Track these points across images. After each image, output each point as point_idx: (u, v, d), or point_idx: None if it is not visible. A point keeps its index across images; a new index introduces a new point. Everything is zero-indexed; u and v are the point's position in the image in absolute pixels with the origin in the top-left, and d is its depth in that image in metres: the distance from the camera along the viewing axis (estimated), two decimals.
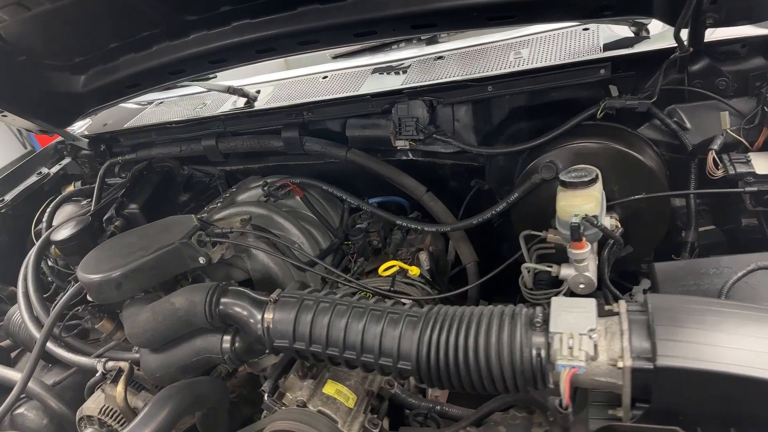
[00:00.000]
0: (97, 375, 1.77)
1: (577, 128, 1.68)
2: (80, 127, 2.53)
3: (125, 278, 1.50)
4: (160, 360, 1.48)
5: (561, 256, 1.50)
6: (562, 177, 1.43)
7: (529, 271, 1.55)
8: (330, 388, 1.40)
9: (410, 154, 2.07)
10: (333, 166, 2.15)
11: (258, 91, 2.17)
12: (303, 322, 1.27)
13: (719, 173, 1.48)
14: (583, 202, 1.36)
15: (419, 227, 1.89)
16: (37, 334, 1.79)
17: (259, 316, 1.33)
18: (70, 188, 2.62)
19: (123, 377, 1.63)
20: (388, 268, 1.65)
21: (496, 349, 1.07)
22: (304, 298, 1.30)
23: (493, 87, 1.73)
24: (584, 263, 1.36)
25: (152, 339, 1.45)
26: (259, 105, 2.10)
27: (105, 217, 2.20)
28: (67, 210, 2.46)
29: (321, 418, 1.32)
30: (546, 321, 1.06)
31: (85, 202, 2.48)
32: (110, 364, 1.67)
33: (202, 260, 1.56)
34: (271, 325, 1.30)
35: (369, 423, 1.39)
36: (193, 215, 1.70)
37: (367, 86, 1.94)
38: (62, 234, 2.03)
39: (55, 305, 1.73)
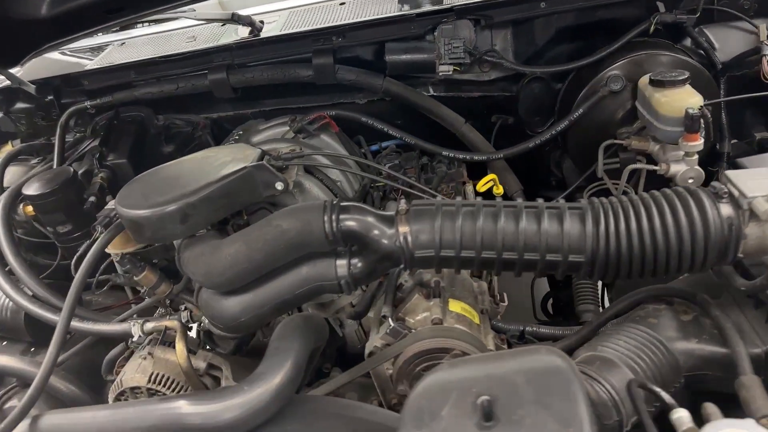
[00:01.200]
0: (124, 344, 1.50)
1: (628, 44, 1.71)
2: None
3: (194, 209, 1.26)
4: (246, 301, 1.26)
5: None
6: (659, 77, 1.44)
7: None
8: (456, 306, 1.28)
9: (431, 89, 1.99)
10: (343, 108, 2.00)
11: (261, 22, 1.94)
12: (449, 229, 1.14)
13: None
14: (688, 97, 1.38)
15: (469, 157, 1.80)
16: (31, 307, 1.46)
17: (390, 231, 1.17)
18: (7, 147, 2.18)
19: (180, 334, 1.37)
20: (487, 182, 1.55)
21: (687, 226, 1.03)
22: (442, 205, 1.18)
23: (546, 3, 1.70)
24: (695, 157, 1.38)
25: (243, 274, 1.23)
26: (271, 33, 1.88)
27: (83, 170, 1.85)
28: (14, 172, 2.05)
29: (465, 332, 1.21)
30: (729, 193, 1.05)
31: (36, 160, 2.09)
32: (150, 325, 1.41)
33: (279, 186, 1.35)
34: (410, 237, 1.16)
35: (496, 338, 1.30)
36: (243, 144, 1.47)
37: (392, 10, 1.81)
38: (39, 188, 1.67)
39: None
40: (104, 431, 1.04)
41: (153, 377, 1.36)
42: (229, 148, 1.49)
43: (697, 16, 1.69)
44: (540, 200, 1.16)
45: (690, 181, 1.40)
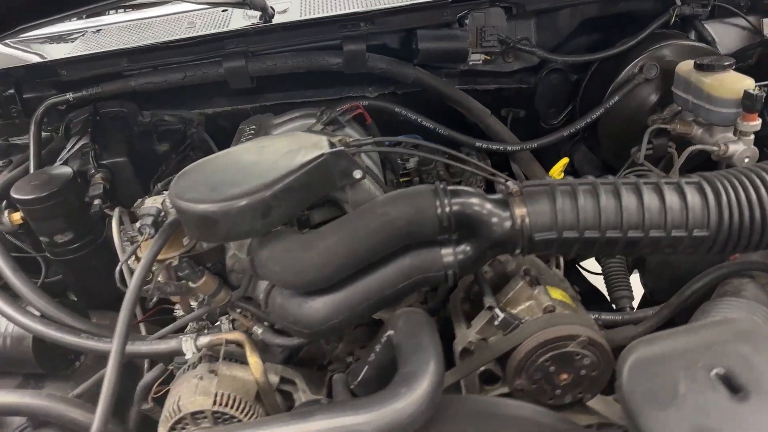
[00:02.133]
0: (161, 365, 1.31)
1: (649, 36, 1.77)
2: None
3: (276, 201, 1.10)
4: (339, 300, 1.12)
5: None
6: (707, 62, 1.49)
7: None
8: (555, 293, 1.23)
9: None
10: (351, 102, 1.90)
11: (272, 8, 1.80)
12: (570, 209, 1.09)
13: None
14: (740, 79, 1.43)
15: (503, 147, 1.77)
16: (49, 331, 1.23)
17: (505, 214, 1.10)
18: None
19: (250, 347, 1.21)
20: (561, 169, 1.50)
21: None
22: (554, 185, 1.12)
23: None
24: (751, 137, 1.43)
25: (342, 269, 1.09)
26: (283, 19, 1.73)
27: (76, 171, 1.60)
28: None
29: (585, 317, 1.16)
30: None
31: (1, 162, 1.79)
32: (204, 339, 1.23)
33: (357, 174, 1.22)
34: (527, 219, 1.09)
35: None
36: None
37: None
38: (34, 190, 1.42)
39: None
40: None
41: (219, 399, 1.19)
42: (286, 137, 1.34)
43: (709, 9, 1.78)
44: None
45: (746, 160, 1.46)
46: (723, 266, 1.32)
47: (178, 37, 1.74)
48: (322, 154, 1.19)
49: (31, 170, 1.63)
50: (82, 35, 1.90)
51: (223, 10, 1.86)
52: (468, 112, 1.83)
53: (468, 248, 1.12)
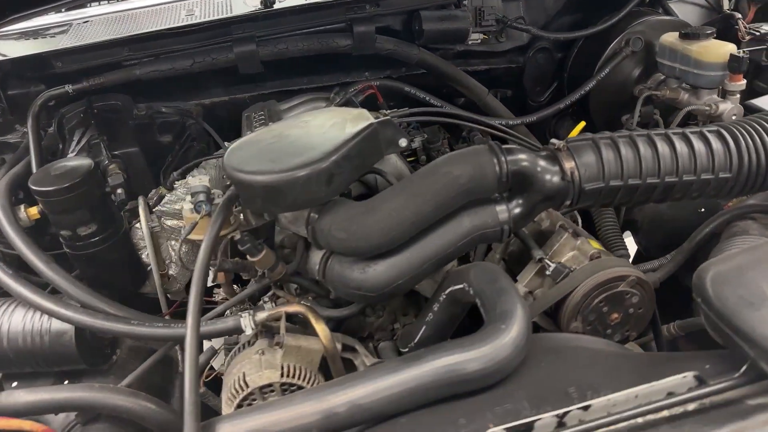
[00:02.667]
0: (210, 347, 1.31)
1: (628, 14, 1.91)
2: None
3: (339, 168, 1.13)
4: (403, 261, 1.16)
5: None
6: (692, 32, 1.63)
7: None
8: (594, 243, 1.32)
9: None
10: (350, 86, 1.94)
11: None
12: (613, 159, 1.18)
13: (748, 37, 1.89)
14: (723, 45, 1.59)
15: (504, 122, 1.85)
16: (100, 323, 1.19)
17: (555, 167, 1.17)
18: None
19: (315, 316, 1.22)
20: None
21: None
22: (596, 139, 1.21)
23: None
24: (737, 96, 1.59)
25: (408, 230, 1.13)
26: (287, 4, 1.74)
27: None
28: None
29: (623, 260, 1.26)
30: None
31: None
32: (261, 315, 1.23)
33: (403, 142, 1.26)
34: (576, 172, 1.17)
35: None
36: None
37: None
38: (57, 181, 1.36)
39: None
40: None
41: (286, 370, 1.19)
42: (326, 111, 1.35)
43: None
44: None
45: (734, 117, 1.61)
46: (726, 212, 1.46)
47: (179, 24, 1.72)
48: (371, 123, 1.22)
49: (34, 166, 1.55)
50: (67, 28, 1.82)
51: None
52: (468, 91, 1.91)
53: (520, 203, 1.19)
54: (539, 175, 1.16)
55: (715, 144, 1.20)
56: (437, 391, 0.90)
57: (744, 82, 1.59)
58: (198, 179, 1.27)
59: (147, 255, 1.52)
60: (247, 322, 1.22)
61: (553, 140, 1.21)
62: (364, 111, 1.31)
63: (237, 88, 1.94)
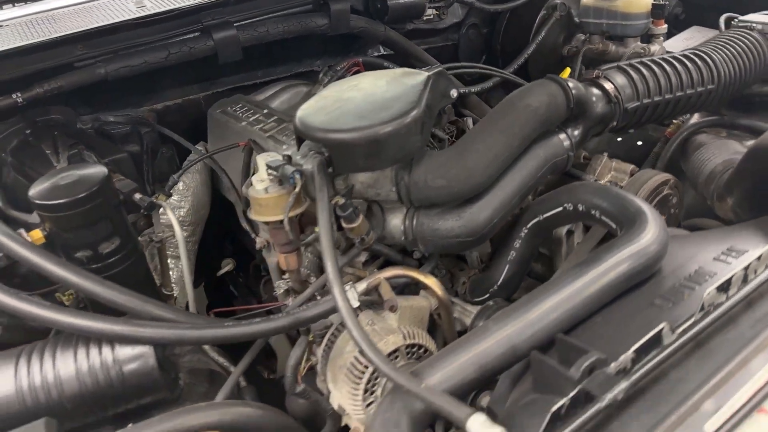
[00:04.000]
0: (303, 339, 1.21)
1: None
2: None
3: (426, 115, 1.13)
4: (495, 199, 1.19)
5: None
6: None
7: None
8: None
9: (381, 49, 2.07)
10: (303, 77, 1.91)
11: None
12: (640, 79, 1.35)
13: None
14: None
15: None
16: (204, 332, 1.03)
17: (600, 93, 1.30)
18: None
19: (417, 273, 1.19)
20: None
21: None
22: (621, 65, 1.36)
23: None
24: (661, 38, 1.88)
25: (502, 165, 1.18)
26: None
27: None
28: None
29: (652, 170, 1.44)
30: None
31: None
32: (362, 286, 1.17)
33: (454, 93, 1.28)
34: (618, 94, 1.31)
35: None
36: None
37: None
38: (68, 192, 1.13)
39: None
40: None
41: (406, 333, 1.14)
42: (368, 75, 1.31)
43: None
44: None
45: (663, 53, 1.91)
46: (683, 130, 1.73)
47: (130, 16, 1.53)
48: (430, 75, 1.24)
49: None
50: None
51: None
52: (426, 64, 1.99)
53: (577, 130, 1.30)
54: (591, 101, 1.29)
55: (702, 62, 1.44)
56: (624, 284, 0.95)
57: (666, 26, 1.91)
58: (266, 155, 1.15)
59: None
60: (352, 294, 1.14)
61: (589, 69, 1.34)
62: (407, 68, 1.32)
63: (189, 88, 1.78)
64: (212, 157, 1.58)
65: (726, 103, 1.59)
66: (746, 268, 0.87)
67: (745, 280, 0.88)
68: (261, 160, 1.14)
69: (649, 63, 1.38)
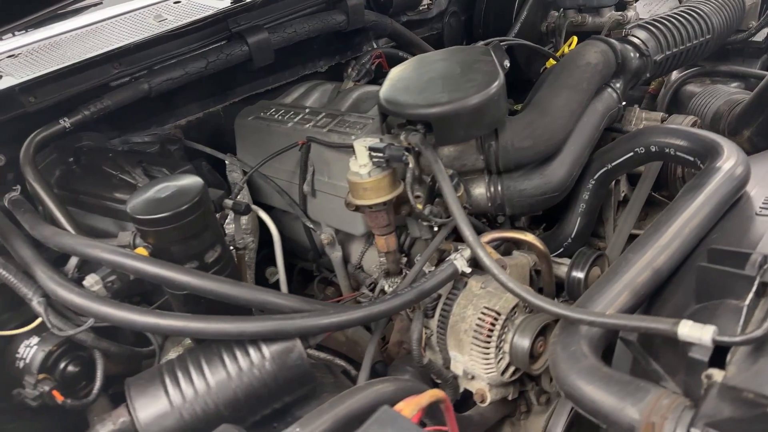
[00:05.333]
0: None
1: None
2: None
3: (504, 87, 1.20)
4: (569, 154, 1.29)
5: None
6: None
7: None
8: None
9: (374, 44, 2.14)
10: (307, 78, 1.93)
11: None
12: (660, 34, 1.49)
13: None
14: None
15: None
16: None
17: (631, 47, 1.43)
18: None
19: (518, 232, 1.26)
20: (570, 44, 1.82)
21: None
22: (640, 23, 1.51)
23: None
24: (634, 4, 2.07)
25: (576, 120, 1.26)
26: None
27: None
28: None
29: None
30: None
31: None
32: (467, 252, 1.22)
33: (507, 63, 1.36)
34: (646, 47, 1.45)
35: None
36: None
37: None
38: (179, 203, 1.09)
39: None
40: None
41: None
42: (429, 55, 1.36)
43: None
44: None
45: (637, 20, 2.10)
46: (677, 79, 1.92)
47: (150, 33, 1.49)
48: (489, 48, 1.32)
49: (65, 224, 1.20)
50: (19, 57, 1.41)
51: (175, 2, 1.65)
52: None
53: (619, 83, 1.42)
54: (629, 56, 1.42)
55: (699, 16, 1.61)
56: (726, 204, 1.06)
57: None
58: (362, 140, 1.17)
59: None
60: (461, 262, 1.19)
61: (615, 31, 1.48)
62: (454, 47, 1.39)
63: (207, 102, 1.75)
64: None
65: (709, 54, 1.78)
66: None
67: None
68: (359, 145, 1.17)
69: (662, 20, 1.53)
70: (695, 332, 0.79)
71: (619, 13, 2.11)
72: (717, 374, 0.77)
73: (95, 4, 1.58)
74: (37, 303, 1.05)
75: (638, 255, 1.00)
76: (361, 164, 1.18)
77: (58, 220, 1.20)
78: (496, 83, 1.15)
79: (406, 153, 1.12)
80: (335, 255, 1.55)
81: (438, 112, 1.12)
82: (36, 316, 1.10)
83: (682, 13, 1.59)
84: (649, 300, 1.01)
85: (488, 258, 1.02)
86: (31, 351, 1.09)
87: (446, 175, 1.09)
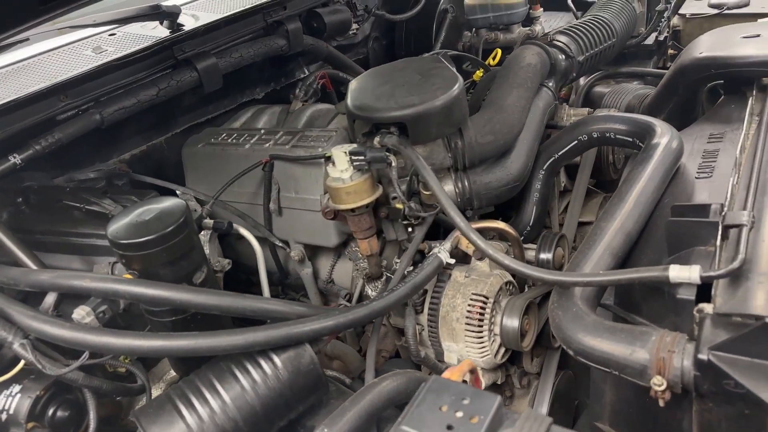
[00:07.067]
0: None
1: None
2: None
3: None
4: (523, 148, 1.40)
5: None
6: None
7: None
8: None
9: (306, 70, 2.20)
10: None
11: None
12: (579, 38, 1.67)
13: None
14: None
15: None
16: None
17: (557, 50, 1.59)
18: None
19: (491, 222, 1.34)
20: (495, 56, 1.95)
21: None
22: (560, 28, 1.67)
23: None
24: (540, 18, 2.28)
25: (526, 115, 1.38)
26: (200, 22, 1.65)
27: None
28: None
29: None
30: None
31: None
32: (447, 244, 1.29)
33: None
34: (569, 47, 1.62)
35: None
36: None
37: None
38: (164, 225, 1.06)
39: None
40: None
41: (500, 273, 1.28)
42: (388, 66, 1.42)
43: None
44: None
45: (544, 33, 2.30)
46: (590, 79, 2.13)
47: (95, 64, 1.44)
48: (439, 56, 1.42)
49: (27, 261, 1.12)
50: None
51: (110, 34, 1.60)
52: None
53: (551, 83, 1.57)
54: (558, 57, 1.58)
55: (604, 22, 1.83)
56: (669, 174, 1.21)
57: (542, 9, 2.32)
58: (341, 147, 1.20)
59: None
60: (444, 254, 1.25)
61: (544, 36, 1.63)
62: (403, 59, 1.48)
63: (148, 134, 1.71)
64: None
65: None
66: None
67: None
68: (338, 151, 1.20)
69: (577, 26, 1.72)
70: (684, 273, 0.90)
71: (528, 28, 2.32)
72: (707, 307, 0.88)
73: (21, 41, 1.50)
74: (18, 345, 0.97)
75: (609, 222, 1.11)
76: (341, 169, 1.21)
77: (22, 260, 1.12)
78: (458, 85, 1.24)
79: (387, 153, 1.17)
80: (306, 272, 1.55)
81: (412, 113, 1.19)
82: (13, 364, 1.02)
83: (591, 21, 1.79)
84: (622, 263, 1.12)
85: (481, 239, 1.09)
86: (14, 400, 0.99)
87: (429, 168, 1.15)
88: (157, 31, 1.60)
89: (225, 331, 0.99)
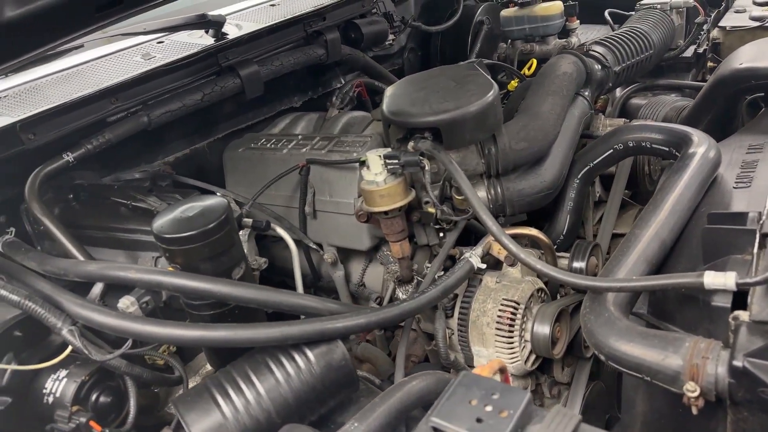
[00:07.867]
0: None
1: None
2: None
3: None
4: (557, 156, 1.41)
5: None
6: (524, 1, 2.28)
7: None
8: None
9: (342, 80, 2.24)
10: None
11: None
12: (616, 48, 1.68)
13: None
14: (553, 2, 2.27)
15: None
16: None
17: (593, 60, 1.60)
18: None
19: (522, 228, 1.34)
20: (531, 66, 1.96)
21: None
22: (598, 39, 1.68)
23: None
24: (577, 30, 2.28)
25: (561, 123, 1.39)
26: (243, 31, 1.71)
27: None
28: None
29: None
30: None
31: None
32: (479, 249, 1.30)
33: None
34: (606, 60, 1.62)
35: None
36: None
37: None
38: (207, 221, 1.11)
39: None
40: None
41: (532, 280, 1.29)
42: (423, 73, 1.46)
43: None
44: None
45: (579, 44, 2.31)
46: (625, 92, 2.12)
47: (144, 69, 1.51)
48: (475, 63, 1.44)
49: (76, 253, 1.18)
50: (13, 96, 1.39)
51: (158, 42, 1.68)
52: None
53: (587, 92, 1.58)
54: (594, 67, 1.58)
55: (641, 33, 1.82)
56: (706, 183, 1.20)
57: (578, 21, 2.32)
58: (376, 152, 1.23)
59: None
60: (476, 259, 1.26)
61: (580, 46, 1.64)
62: (438, 67, 1.51)
63: (191, 139, 1.78)
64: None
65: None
66: None
67: None
68: (372, 155, 1.24)
69: (614, 37, 1.72)
70: (719, 279, 0.89)
71: (564, 39, 2.33)
72: (743, 315, 0.87)
73: (77, 48, 1.58)
74: (67, 332, 1.02)
75: (644, 230, 1.11)
76: (375, 173, 1.24)
77: (72, 252, 1.18)
78: (493, 91, 1.26)
79: (421, 157, 1.20)
80: (338, 274, 1.58)
81: (447, 118, 1.21)
82: (60, 350, 1.07)
83: (628, 32, 1.79)
84: (656, 270, 1.12)
85: (514, 244, 1.10)
86: (60, 384, 1.05)
87: (462, 173, 1.17)
88: (203, 39, 1.67)
89: (261, 324, 1.03)
